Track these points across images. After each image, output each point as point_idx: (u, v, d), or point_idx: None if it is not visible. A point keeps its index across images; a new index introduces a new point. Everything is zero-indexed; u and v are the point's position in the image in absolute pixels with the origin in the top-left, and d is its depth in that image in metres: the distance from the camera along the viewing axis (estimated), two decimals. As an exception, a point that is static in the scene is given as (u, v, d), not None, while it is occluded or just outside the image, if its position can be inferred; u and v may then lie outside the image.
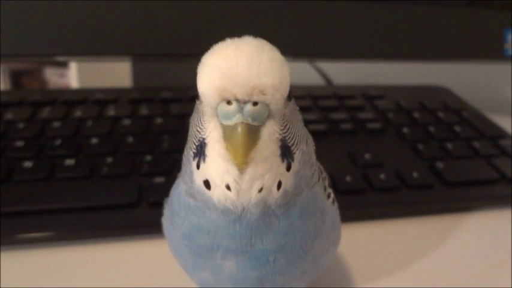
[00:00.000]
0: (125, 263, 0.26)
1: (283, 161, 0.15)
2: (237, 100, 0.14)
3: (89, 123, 0.37)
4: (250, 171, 0.15)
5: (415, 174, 0.33)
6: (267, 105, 0.14)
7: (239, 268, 0.17)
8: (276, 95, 0.14)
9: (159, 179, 0.30)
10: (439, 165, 0.35)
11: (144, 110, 0.39)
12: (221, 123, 0.14)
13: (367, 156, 0.35)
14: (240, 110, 0.14)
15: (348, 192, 0.31)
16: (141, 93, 0.42)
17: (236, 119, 0.14)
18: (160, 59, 0.44)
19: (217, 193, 0.15)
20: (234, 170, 0.15)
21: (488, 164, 0.36)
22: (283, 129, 0.15)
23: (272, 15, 0.39)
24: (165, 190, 0.20)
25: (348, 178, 0.32)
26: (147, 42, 0.38)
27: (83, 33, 0.37)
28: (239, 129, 0.14)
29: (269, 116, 0.15)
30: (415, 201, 0.32)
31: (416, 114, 0.43)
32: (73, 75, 0.98)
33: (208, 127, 0.15)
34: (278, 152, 0.15)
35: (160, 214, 0.20)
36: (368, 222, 0.31)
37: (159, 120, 0.38)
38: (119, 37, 0.38)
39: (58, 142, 0.34)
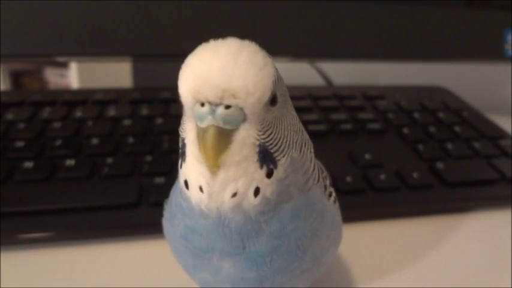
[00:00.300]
0: (126, 263, 0.26)
1: (261, 167, 0.15)
2: (210, 102, 0.14)
3: (89, 123, 0.37)
4: (221, 175, 0.15)
5: (415, 175, 0.33)
6: (241, 109, 0.14)
7: (237, 269, 0.17)
8: (250, 99, 0.14)
9: (159, 179, 0.30)
10: (439, 165, 0.35)
11: (144, 110, 0.39)
12: (196, 125, 0.14)
13: (367, 156, 0.35)
14: (212, 112, 0.14)
15: (348, 192, 0.31)
16: (141, 94, 0.42)
17: (208, 122, 0.14)
18: (160, 59, 0.44)
19: (193, 194, 0.15)
20: (206, 172, 0.15)
21: (488, 164, 0.36)
22: (263, 134, 0.15)
23: (273, 15, 0.39)
24: (165, 190, 0.20)
25: (348, 178, 0.32)
26: (148, 42, 0.38)
27: (83, 33, 0.37)
28: (209, 132, 0.14)
29: (245, 120, 0.14)
30: (415, 202, 0.32)
31: (416, 115, 0.43)
32: (73, 76, 0.98)
33: (187, 128, 0.15)
34: (255, 157, 0.15)
35: (161, 214, 0.20)
36: (368, 223, 0.31)
37: (159, 121, 0.38)
38: (119, 37, 0.38)
39: (58, 142, 0.34)
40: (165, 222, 0.19)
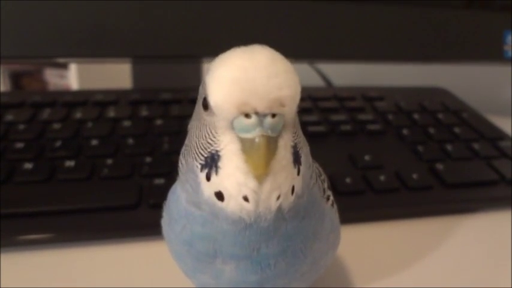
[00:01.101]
0: (125, 265, 0.26)
1: (295, 167, 0.15)
2: (256, 113, 0.14)
3: (89, 124, 0.37)
4: (270, 182, 0.15)
5: (414, 176, 0.33)
6: (283, 115, 0.14)
7: (239, 272, 0.17)
8: (293, 106, 0.14)
9: (159, 181, 0.30)
10: (439, 166, 0.35)
11: (144, 112, 0.39)
12: (239, 136, 0.14)
13: (367, 157, 0.35)
14: (260, 123, 0.14)
15: (347, 193, 0.31)
16: (141, 95, 0.42)
17: (256, 132, 0.14)
18: (160, 61, 0.44)
19: (232, 204, 0.15)
20: (252, 182, 0.14)
21: (488, 165, 0.36)
22: (294, 136, 0.16)
23: (272, 16, 0.40)
24: (165, 192, 0.20)
25: (348, 179, 0.32)
26: (147, 43, 0.38)
27: (83, 35, 0.37)
28: (260, 142, 0.14)
29: (284, 125, 0.15)
30: (414, 203, 0.32)
31: (416, 116, 0.43)
32: (73, 77, 0.98)
33: (223, 140, 0.15)
34: (291, 158, 0.15)
35: (161, 216, 0.20)
36: (368, 224, 0.31)
37: (159, 122, 0.38)
38: (119, 39, 0.38)
39: (58, 144, 0.34)
40: (164, 225, 0.19)
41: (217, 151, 0.15)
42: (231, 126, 0.14)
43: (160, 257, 0.24)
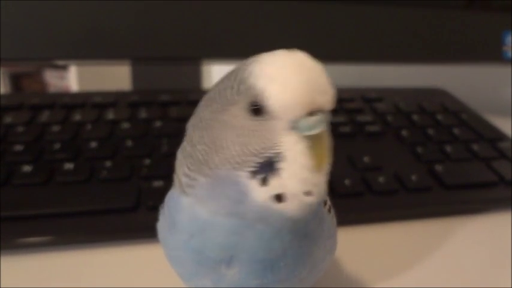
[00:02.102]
0: (124, 267, 0.26)
1: None
2: (320, 111, 0.15)
3: (88, 126, 0.37)
4: (324, 174, 0.15)
5: (414, 177, 0.33)
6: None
7: (241, 277, 0.17)
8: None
9: (157, 183, 0.30)
10: (438, 168, 0.35)
11: (143, 113, 0.39)
12: (302, 135, 0.15)
13: (366, 159, 0.35)
14: (324, 119, 0.15)
15: (346, 195, 0.31)
16: (140, 96, 0.42)
17: (321, 128, 0.15)
18: (159, 62, 0.44)
19: (293, 204, 0.15)
20: (316, 177, 0.15)
21: (488, 166, 0.36)
22: None
23: (271, 17, 0.39)
24: (164, 194, 0.20)
25: (347, 181, 0.32)
26: (147, 45, 0.38)
27: (82, 36, 0.37)
28: (324, 137, 0.15)
29: None
30: (414, 205, 0.32)
31: (415, 117, 0.43)
32: (73, 78, 0.98)
33: (286, 141, 0.15)
34: None
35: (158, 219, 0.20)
36: (367, 226, 0.31)
37: (158, 124, 0.38)
38: (119, 40, 0.38)
39: (57, 146, 0.34)
40: (161, 229, 0.19)
41: (276, 154, 0.15)
42: (292, 127, 0.15)
43: (159, 259, 0.24)
